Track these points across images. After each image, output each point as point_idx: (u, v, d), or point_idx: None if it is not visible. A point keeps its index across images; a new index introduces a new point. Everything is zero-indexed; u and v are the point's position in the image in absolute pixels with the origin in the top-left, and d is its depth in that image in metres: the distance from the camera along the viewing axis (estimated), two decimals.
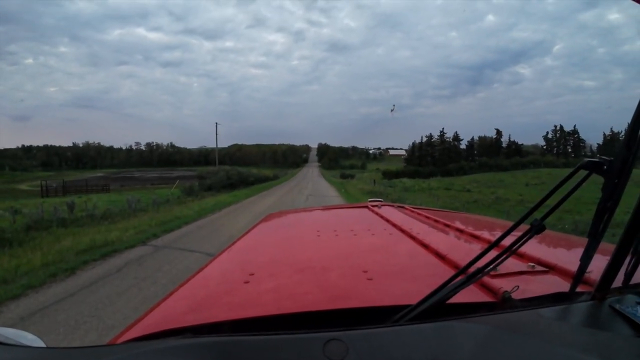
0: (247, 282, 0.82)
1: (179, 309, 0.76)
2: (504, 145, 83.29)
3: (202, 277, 0.97)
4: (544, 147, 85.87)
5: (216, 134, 39.15)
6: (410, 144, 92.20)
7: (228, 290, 0.84)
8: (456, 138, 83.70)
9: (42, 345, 0.65)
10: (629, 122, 0.55)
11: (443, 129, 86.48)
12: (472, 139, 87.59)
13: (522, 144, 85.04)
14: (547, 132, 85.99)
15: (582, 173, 0.60)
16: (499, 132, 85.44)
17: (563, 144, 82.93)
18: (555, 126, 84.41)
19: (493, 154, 79.36)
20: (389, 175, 58.85)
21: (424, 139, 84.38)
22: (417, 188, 33.51)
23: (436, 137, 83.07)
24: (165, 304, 0.78)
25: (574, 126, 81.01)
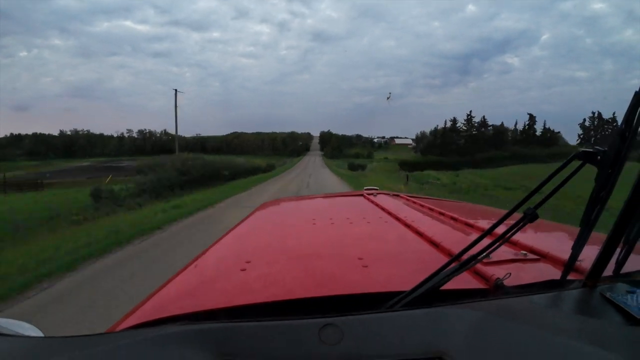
0: (243, 270, 0.83)
1: (176, 296, 0.77)
2: (538, 133, 74.62)
3: (199, 265, 0.97)
4: (581, 136, 74.62)
5: (175, 106, 27.39)
6: (419, 132, 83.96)
7: (224, 278, 0.85)
8: (484, 124, 74.17)
9: (40, 334, 0.65)
10: (624, 112, 0.55)
11: (470, 112, 76.21)
12: (502, 124, 77.16)
13: (559, 132, 76.43)
14: (585, 120, 75.44)
15: (576, 163, 0.61)
16: (532, 118, 76.09)
17: (601, 132, 71.40)
18: (594, 113, 74.09)
19: (525, 142, 71.39)
20: (407, 166, 51.53)
21: (448, 124, 74.25)
22: (463, 186, 23.84)
23: (461, 122, 73.46)
24: (162, 292, 0.79)
25: (613, 114, 69.16)
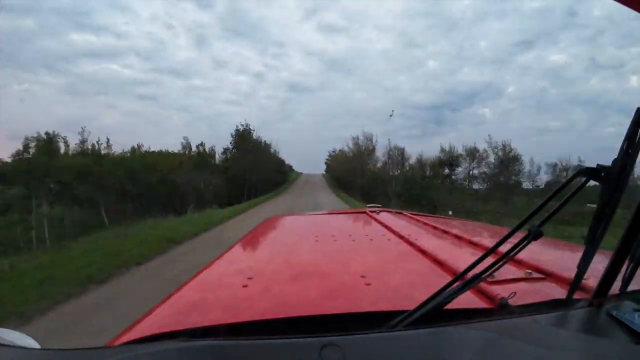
0: (245, 286, 0.82)
1: (177, 312, 0.76)
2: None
3: (200, 281, 0.96)
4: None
5: None
6: None
7: (226, 294, 0.84)
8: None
9: (37, 346, 0.64)
10: (627, 128, 0.56)
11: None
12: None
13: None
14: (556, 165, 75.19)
15: (580, 180, 0.61)
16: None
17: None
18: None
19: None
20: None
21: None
22: None
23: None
24: (162, 308, 0.78)
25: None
